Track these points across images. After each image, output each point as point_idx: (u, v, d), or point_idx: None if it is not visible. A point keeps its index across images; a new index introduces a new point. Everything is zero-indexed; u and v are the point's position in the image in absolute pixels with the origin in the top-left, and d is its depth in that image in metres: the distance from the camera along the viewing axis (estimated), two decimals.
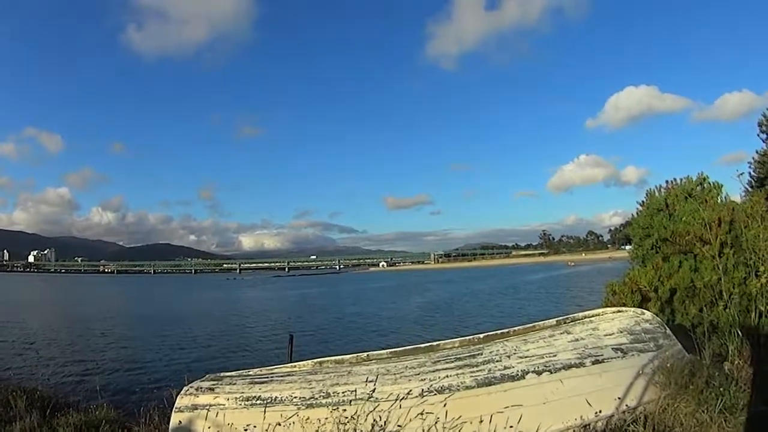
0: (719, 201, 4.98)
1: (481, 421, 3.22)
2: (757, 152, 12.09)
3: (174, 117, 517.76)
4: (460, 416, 3.21)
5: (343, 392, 3.40)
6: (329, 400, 3.37)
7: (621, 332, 3.94)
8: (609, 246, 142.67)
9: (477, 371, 3.47)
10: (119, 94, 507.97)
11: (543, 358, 3.59)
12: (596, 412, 3.38)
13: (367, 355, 4.28)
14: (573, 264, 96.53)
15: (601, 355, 3.65)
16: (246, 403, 3.46)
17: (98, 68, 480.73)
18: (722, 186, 5.11)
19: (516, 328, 4.46)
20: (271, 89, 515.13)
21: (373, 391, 3.36)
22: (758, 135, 12.14)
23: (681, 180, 5.31)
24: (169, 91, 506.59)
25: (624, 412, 3.47)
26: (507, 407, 3.26)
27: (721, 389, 3.57)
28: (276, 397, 3.46)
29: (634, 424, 3.43)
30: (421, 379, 3.43)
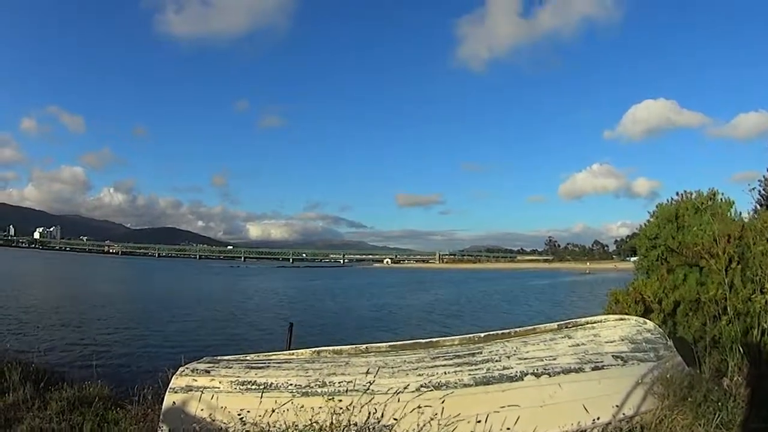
0: (730, 216, 4.94)
1: (478, 420, 3.20)
2: None
3: (199, 102, 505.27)
4: (457, 413, 3.19)
5: (339, 382, 3.39)
6: (325, 389, 3.36)
7: (622, 340, 3.92)
8: (614, 257, 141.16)
9: (476, 370, 3.46)
10: (148, 76, 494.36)
11: (543, 360, 3.58)
12: (593, 419, 3.36)
13: (366, 347, 4.27)
14: (589, 272, 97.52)
15: (601, 361, 3.63)
16: (241, 387, 3.47)
17: (130, 48, 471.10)
18: (734, 202, 5.07)
19: (517, 330, 4.44)
20: (299, 82, 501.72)
21: (370, 383, 3.35)
22: None
23: (692, 193, 5.26)
24: (199, 77, 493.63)
25: (621, 420, 3.44)
26: (504, 407, 3.24)
27: (720, 404, 3.54)
28: (272, 383, 3.45)
29: None
30: (419, 374, 3.42)
